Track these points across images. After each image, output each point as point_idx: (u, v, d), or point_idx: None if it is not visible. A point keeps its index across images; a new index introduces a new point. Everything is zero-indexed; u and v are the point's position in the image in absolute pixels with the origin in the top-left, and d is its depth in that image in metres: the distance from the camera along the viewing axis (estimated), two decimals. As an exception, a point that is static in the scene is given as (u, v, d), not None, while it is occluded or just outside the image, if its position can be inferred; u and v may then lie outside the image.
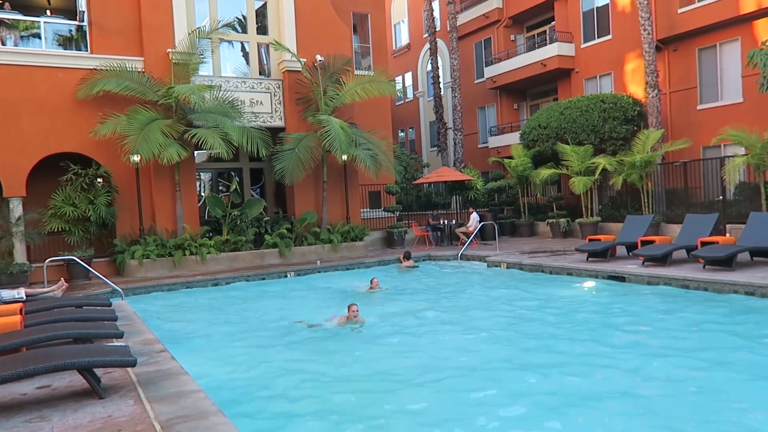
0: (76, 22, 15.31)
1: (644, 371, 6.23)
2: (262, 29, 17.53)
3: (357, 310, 8.78)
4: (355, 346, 7.95)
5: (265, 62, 17.87)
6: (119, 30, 15.19)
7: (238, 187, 17.40)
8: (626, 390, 5.66)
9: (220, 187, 19.13)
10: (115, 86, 14.48)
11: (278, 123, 17.28)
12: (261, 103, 16.98)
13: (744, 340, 7.14)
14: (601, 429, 4.85)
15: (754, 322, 7.96)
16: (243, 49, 17.73)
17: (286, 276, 14.43)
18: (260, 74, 17.62)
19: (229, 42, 17.44)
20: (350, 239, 17.38)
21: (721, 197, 15.59)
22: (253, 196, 18.88)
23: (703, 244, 11.60)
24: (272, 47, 16.99)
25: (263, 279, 14.13)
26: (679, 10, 19.43)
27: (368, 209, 20.67)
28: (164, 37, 15.41)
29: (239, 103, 16.03)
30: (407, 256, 15.51)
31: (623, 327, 8.18)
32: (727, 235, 13.31)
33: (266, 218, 17.22)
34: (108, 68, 14.63)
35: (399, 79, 35.15)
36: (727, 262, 10.69)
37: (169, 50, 15.31)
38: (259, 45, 17.58)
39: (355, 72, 18.94)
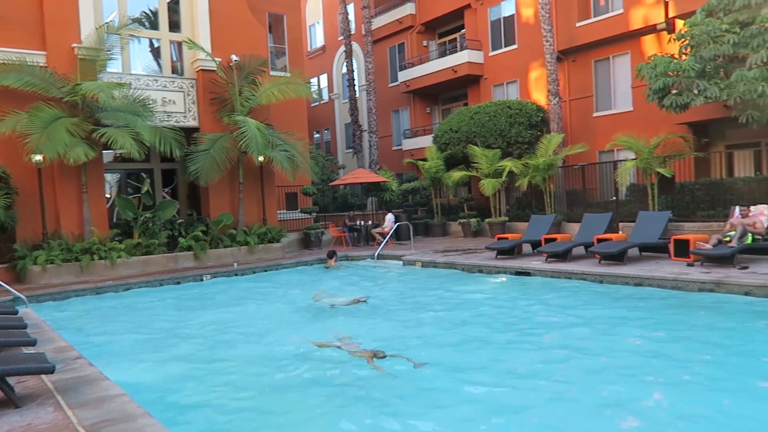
0: (-32, 12, 14.27)
1: (549, 353, 6.86)
2: (174, 26, 17.08)
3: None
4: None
5: (176, 60, 17.43)
6: (18, 21, 14.29)
7: (149, 189, 16.84)
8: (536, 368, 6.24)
9: (129, 189, 18.41)
10: (14, 81, 13.63)
11: (192, 123, 16.92)
12: (174, 102, 16.56)
13: (631, 322, 8.02)
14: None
15: (641, 308, 8.87)
16: (152, 45, 17.19)
17: (202, 279, 14.19)
18: (173, 73, 17.15)
19: (139, 39, 16.86)
20: (267, 241, 17.31)
21: (614, 197, 16.95)
22: (165, 197, 18.32)
23: (599, 240, 12.65)
24: (185, 45, 16.61)
25: (178, 283, 13.82)
26: (578, 24, 20.91)
27: (285, 211, 20.63)
28: (69, 30, 14.67)
29: (151, 102, 15.53)
30: (331, 255, 15.72)
31: (527, 316, 8.86)
32: (620, 232, 14.52)
33: (180, 220, 16.80)
34: (6, 62, 13.76)
35: (314, 80, 35.11)
36: (619, 257, 11.74)
37: (75, 45, 14.61)
38: (171, 42, 17.12)
39: (271, 72, 18.87)
